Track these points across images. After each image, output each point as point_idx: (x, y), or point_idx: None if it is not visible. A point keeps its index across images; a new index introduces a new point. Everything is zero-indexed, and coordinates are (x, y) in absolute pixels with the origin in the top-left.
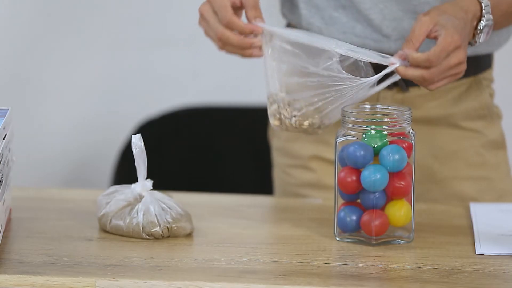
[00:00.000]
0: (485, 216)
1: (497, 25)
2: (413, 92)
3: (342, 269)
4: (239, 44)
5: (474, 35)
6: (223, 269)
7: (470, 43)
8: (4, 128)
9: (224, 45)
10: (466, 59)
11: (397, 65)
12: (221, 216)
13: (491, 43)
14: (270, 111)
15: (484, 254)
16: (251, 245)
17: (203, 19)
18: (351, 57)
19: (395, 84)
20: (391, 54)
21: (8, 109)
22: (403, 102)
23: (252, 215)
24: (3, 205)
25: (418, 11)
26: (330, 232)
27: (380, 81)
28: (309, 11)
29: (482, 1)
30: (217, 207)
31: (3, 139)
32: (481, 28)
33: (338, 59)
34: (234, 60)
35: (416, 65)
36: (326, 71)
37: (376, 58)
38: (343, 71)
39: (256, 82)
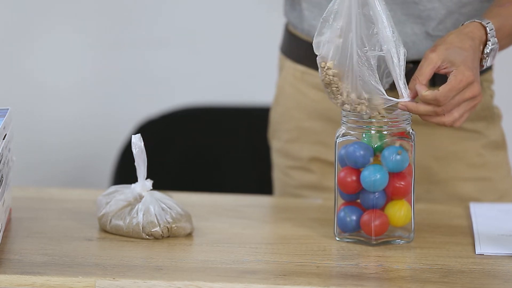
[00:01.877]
0: (485, 216)
1: (501, 47)
2: None
3: (342, 269)
4: None
5: (481, 60)
6: (223, 269)
7: None
8: (4, 128)
9: None
10: (481, 91)
11: (406, 99)
12: (221, 216)
13: None
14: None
15: (484, 254)
16: (251, 245)
17: None
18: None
19: (394, 86)
20: None
21: (8, 109)
22: None
23: (252, 215)
24: (3, 205)
25: (422, 16)
26: (330, 232)
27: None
28: (312, 12)
29: (486, 26)
30: (217, 207)
31: (3, 139)
32: (488, 52)
33: (382, 53)
34: (234, 60)
35: (425, 102)
36: (364, 51)
37: (399, 82)
38: (372, 66)
39: (256, 82)
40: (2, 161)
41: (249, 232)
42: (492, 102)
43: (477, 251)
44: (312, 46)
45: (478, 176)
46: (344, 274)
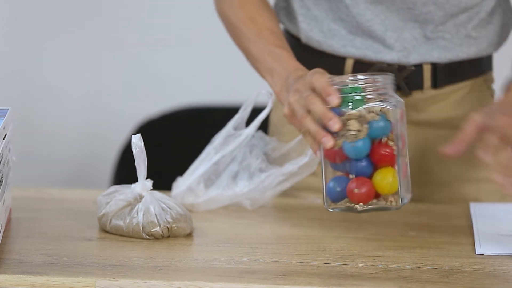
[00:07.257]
0: (485, 216)
1: None
2: (416, 95)
3: (342, 269)
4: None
5: None
6: (223, 269)
7: None
8: (4, 128)
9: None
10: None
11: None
12: (221, 216)
13: (492, 43)
14: None
15: (484, 254)
16: (251, 245)
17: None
18: None
19: (398, 88)
20: (393, 65)
21: (8, 109)
22: (406, 106)
23: (252, 215)
24: (3, 205)
25: (419, 20)
26: (330, 232)
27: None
28: (308, 24)
29: None
30: (217, 207)
31: (3, 139)
32: None
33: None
34: (234, 60)
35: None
36: None
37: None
38: None
39: (256, 83)
40: (2, 161)
41: (249, 232)
42: (492, 102)
43: (477, 251)
44: (310, 49)
45: (481, 177)
46: (344, 274)
